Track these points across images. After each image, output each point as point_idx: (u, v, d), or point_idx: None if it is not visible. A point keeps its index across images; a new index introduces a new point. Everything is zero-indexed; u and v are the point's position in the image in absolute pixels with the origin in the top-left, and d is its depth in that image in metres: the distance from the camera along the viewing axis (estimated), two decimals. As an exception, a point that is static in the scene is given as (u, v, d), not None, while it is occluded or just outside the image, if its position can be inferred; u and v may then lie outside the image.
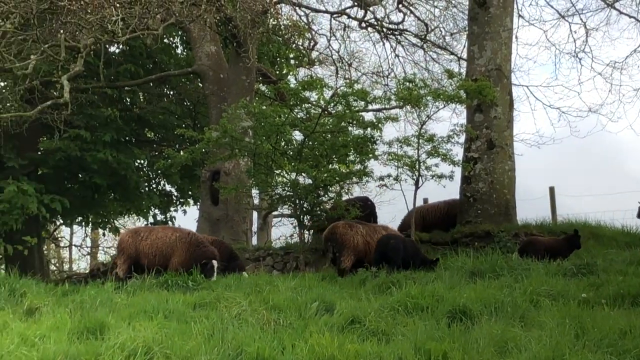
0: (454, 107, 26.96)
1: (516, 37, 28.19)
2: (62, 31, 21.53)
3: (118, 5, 20.08)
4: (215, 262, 17.12)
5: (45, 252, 36.20)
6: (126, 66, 27.54)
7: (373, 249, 17.34)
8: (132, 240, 17.95)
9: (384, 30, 31.92)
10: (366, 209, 21.75)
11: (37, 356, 10.26)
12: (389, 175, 20.76)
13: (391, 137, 20.69)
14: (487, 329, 10.69)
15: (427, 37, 32.66)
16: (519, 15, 28.52)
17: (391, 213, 49.30)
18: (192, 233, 18.34)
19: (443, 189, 20.73)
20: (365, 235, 18.05)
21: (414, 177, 20.46)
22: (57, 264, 49.17)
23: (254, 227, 28.47)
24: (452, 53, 33.07)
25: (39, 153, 27.45)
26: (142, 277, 16.98)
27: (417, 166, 20.31)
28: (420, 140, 20.58)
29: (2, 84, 26.11)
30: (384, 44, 32.49)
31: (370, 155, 20.99)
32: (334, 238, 18.04)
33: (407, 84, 21.56)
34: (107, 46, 25.41)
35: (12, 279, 15.39)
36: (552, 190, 24.62)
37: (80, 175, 27.73)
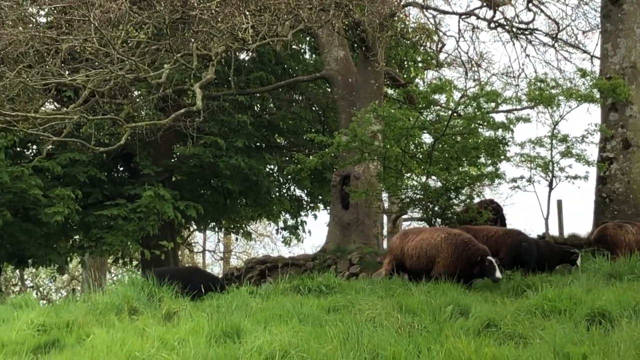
0: (588, 107, 26.40)
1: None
2: (193, 40, 21.99)
3: (248, 13, 20.37)
4: (491, 257, 15.61)
5: (179, 257, 36.96)
6: (257, 74, 27.90)
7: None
8: (400, 242, 17.10)
9: (514, 30, 31.46)
10: (496, 212, 21.54)
11: (177, 360, 10.48)
12: (521, 177, 20.52)
13: (523, 138, 20.40)
14: (627, 332, 10.43)
15: (559, 36, 32.07)
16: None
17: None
18: (460, 233, 16.59)
19: (577, 189, 20.33)
20: (636, 234, 17.96)
21: (548, 178, 20.15)
22: (192, 269, 50.14)
23: (384, 231, 28.42)
24: (584, 51, 32.39)
25: (173, 160, 28.07)
26: (275, 281, 17.05)
27: (550, 167, 20.00)
28: (554, 141, 20.28)
29: (137, 93, 26.77)
30: (513, 44, 32.17)
31: (502, 157, 20.73)
32: (604, 240, 18.03)
33: (539, 84, 21.26)
34: (237, 54, 25.76)
35: (151, 284, 15.71)
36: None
37: (212, 182, 28.22)
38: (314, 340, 10.96)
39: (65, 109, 21.93)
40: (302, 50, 32.46)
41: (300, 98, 31.53)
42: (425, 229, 17.97)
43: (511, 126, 20.47)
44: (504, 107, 22.80)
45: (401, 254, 16.90)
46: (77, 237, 27.53)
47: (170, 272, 16.89)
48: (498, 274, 15.16)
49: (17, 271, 44.63)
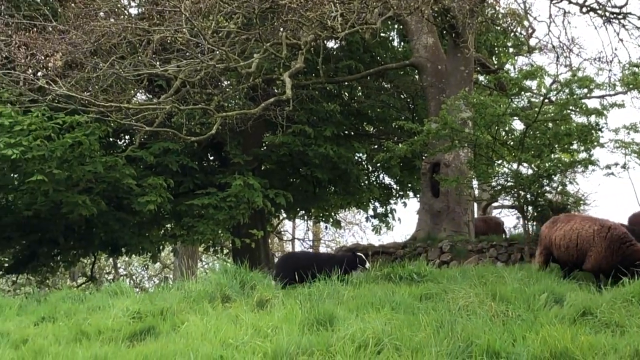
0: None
1: None
2: (282, 29, 22.10)
3: (337, 1, 20.37)
4: None
5: (269, 245, 37.22)
6: (346, 62, 27.88)
7: None
8: (548, 231, 15.95)
9: (607, 14, 30.79)
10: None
11: (271, 347, 10.56)
12: (615, 164, 20.13)
13: (617, 124, 20.01)
14: None
15: (653, 20, 31.29)
16: None
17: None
18: (615, 227, 15.02)
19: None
20: None
21: (644, 165, 19.75)
22: (281, 258, 50.48)
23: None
24: (680, 35, 31.55)
25: (263, 149, 28.24)
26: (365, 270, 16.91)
27: (646, 153, 19.62)
28: (649, 127, 19.87)
29: (227, 82, 26.98)
30: (606, 29, 31.27)
31: (595, 143, 20.36)
32: None
33: (633, 68, 20.80)
34: (326, 42, 25.77)
35: (243, 272, 15.82)
36: None
37: (301, 170, 28.31)
38: (407, 328, 10.95)
39: (157, 99, 22.25)
40: (391, 38, 32.32)
41: (388, 86, 31.39)
42: (575, 216, 16.38)
43: (604, 112, 20.10)
44: (597, 92, 22.37)
45: (549, 244, 15.82)
46: (169, 225, 27.91)
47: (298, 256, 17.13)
48: None
49: (111, 259, 45.51)
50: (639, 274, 13.58)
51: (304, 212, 34.13)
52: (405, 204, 33.86)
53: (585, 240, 14.92)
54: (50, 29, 21.50)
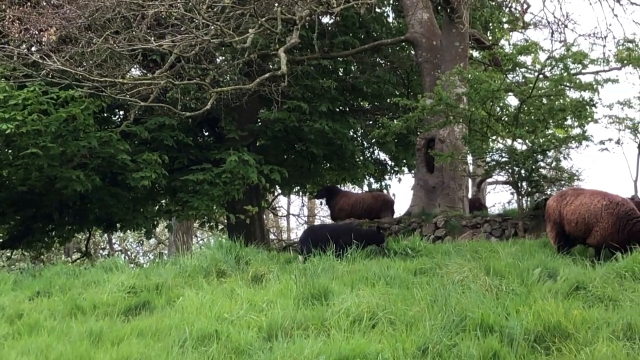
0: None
1: None
2: (277, 4, 22.05)
3: (332, -24, 20.34)
4: None
5: (264, 221, 37.24)
6: (341, 38, 27.80)
7: None
8: (557, 205, 15.62)
9: (602, -11, 30.76)
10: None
11: (266, 321, 10.64)
12: (609, 139, 20.22)
13: (611, 100, 20.05)
14: None
15: (648, -5, 31.25)
16: None
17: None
18: (623, 203, 14.86)
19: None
20: None
21: (637, 140, 19.83)
22: (276, 233, 50.64)
23: (469, 195, 28.20)
24: (675, 10, 31.56)
25: (258, 125, 28.21)
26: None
27: (639, 129, 19.66)
28: (643, 102, 19.93)
29: (222, 58, 26.92)
30: (601, 4, 31.24)
31: (590, 118, 20.40)
32: None
33: (627, 44, 20.83)
34: (321, 17, 25.69)
35: (238, 247, 15.88)
36: None
37: (297, 146, 28.29)
38: (401, 302, 11.03)
39: (151, 74, 22.21)
40: (386, 13, 32.20)
41: (383, 62, 31.31)
42: (584, 191, 15.96)
43: (599, 87, 20.12)
44: (591, 68, 22.36)
45: (560, 218, 15.46)
46: (163, 201, 27.90)
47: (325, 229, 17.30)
48: None
49: (106, 235, 45.52)
50: None
51: (299, 187, 34.15)
52: (400, 180, 34.00)
53: (593, 214, 14.75)
54: (44, 3, 21.45)
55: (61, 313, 12.44)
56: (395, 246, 16.50)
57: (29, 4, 20.54)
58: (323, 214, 50.52)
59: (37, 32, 20.23)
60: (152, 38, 21.39)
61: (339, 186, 30.92)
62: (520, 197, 20.46)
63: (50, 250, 32.08)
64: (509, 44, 32.72)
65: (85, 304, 12.77)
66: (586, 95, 20.29)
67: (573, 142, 20.48)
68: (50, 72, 20.07)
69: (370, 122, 32.24)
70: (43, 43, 20.65)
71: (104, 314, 12.23)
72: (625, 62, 20.65)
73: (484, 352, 9.15)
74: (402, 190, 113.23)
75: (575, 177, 20.62)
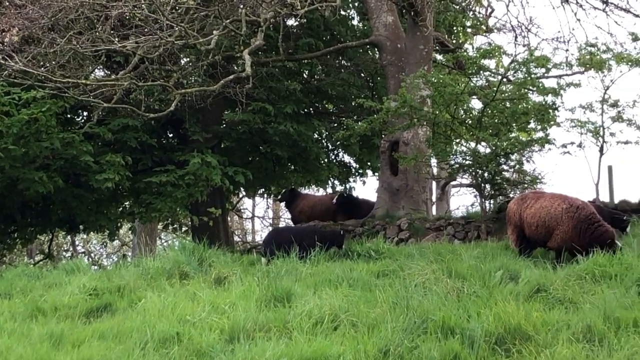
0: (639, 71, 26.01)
1: None
2: (242, 6, 22.02)
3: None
4: (619, 244, 14.42)
5: (228, 223, 37.16)
6: (305, 40, 27.80)
7: None
8: (517, 208, 15.68)
9: (564, -7, 30.98)
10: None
11: (228, 323, 10.64)
12: (572, 142, 20.41)
13: (574, 104, 20.26)
14: (679, 297, 10.38)
15: (609, 0, 31.50)
16: None
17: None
18: (583, 206, 14.98)
19: (629, 155, 20.18)
20: None
21: (598, 143, 20.03)
22: (241, 235, 50.54)
23: (433, 197, 28.29)
24: (635, 15, 31.71)
25: (222, 126, 28.14)
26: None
27: (601, 132, 19.89)
28: (604, 106, 20.16)
29: (186, 59, 26.84)
30: (564, 8, 31.47)
31: (552, 122, 20.59)
32: None
33: (589, 48, 21.02)
34: (286, 19, 25.69)
35: (201, 249, 15.88)
36: None
37: (261, 148, 28.24)
38: (364, 304, 11.07)
39: (115, 75, 22.10)
40: (351, 16, 32.22)
41: (348, 64, 31.35)
42: (544, 194, 16.13)
43: (561, 91, 20.32)
44: (554, 72, 22.55)
45: (520, 221, 15.56)
46: (127, 203, 27.73)
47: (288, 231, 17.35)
48: None
49: (69, 237, 45.22)
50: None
51: (263, 189, 34.09)
52: (364, 182, 33.98)
53: (553, 218, 14.84)
54: (7, 3, 21.27)
55: (22, 315, 12.36)
56: (359, 248, 16.55)
57: (-9, 4, 20.41)
58: (288, 216, 50.52)
59: (-1, 32, 20.10)
60: (116, 39, 21.31)
61: (300, 189, 30.89)
62: (483, 200, 20.57)
63: (12, 252, 31.83)
64: (473, 48, 32.91)
65: (47, 306, 12.70)
66: (549, 99, 20.47)
67: (536, 145, 20.62)
68: (13, 73, 19.92)
69: (335, 125, 32.24)
70: (5, 43, 20.51)
71: (65, 316, 12.16)
72: (587, 66, 20.82)
73: (445, 354, 9.21)
74: (366, 193, 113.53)
75: (538, 180, 20.80)
